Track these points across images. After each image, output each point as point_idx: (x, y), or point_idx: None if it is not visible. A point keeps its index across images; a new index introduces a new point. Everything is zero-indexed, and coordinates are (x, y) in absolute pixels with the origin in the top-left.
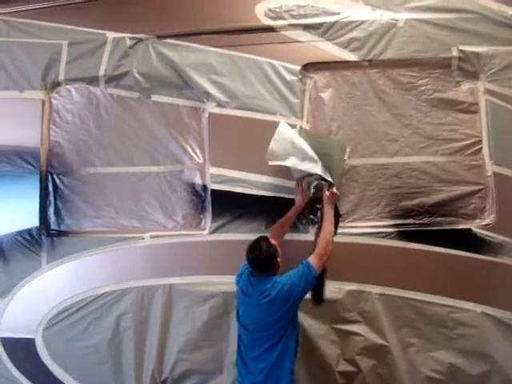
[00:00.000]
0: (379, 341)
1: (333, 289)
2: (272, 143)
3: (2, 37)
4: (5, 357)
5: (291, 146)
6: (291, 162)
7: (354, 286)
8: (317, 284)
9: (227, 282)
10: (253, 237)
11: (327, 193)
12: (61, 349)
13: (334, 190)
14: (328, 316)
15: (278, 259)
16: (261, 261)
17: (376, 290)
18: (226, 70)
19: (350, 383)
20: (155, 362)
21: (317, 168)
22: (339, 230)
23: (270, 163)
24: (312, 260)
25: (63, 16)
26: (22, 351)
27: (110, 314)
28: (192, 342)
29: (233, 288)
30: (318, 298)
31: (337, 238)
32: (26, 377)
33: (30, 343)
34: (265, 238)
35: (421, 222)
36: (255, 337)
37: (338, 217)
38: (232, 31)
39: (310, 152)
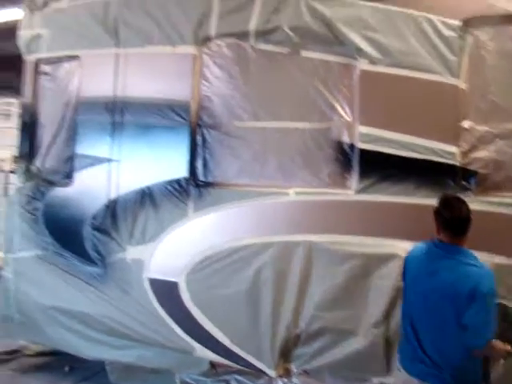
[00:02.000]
0: None
1: None
2: None
3: None
4: (152, 296)
5: None
6: None
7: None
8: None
9: (369, 244)
10: (399, 199)
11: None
12: (202, 294)
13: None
14: None
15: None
16: (462, 220)
17: None
18: (380, 25)
19: None
20: (291, 315)
21: None
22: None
23: None
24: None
25: None
26: (167, 293)
27: (250, 265)
28: (329, 300)
29: (373, 250)
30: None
31: (481, 207)
32: (170, 316)
33: (173, 286)
34: (457, 197)
35: None
36: (422, 317)
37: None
38: None
39: None
